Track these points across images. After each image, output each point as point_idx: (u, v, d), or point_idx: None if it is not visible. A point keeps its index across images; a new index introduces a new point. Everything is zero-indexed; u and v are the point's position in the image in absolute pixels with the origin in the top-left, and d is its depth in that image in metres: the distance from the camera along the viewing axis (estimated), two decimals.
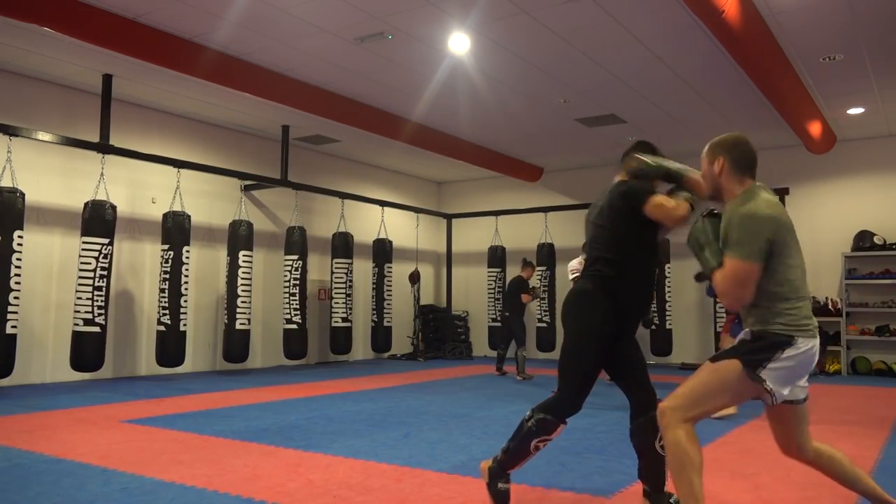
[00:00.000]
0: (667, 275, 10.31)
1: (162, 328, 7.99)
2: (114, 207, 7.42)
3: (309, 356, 10.51)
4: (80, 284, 7.16)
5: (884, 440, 4.80)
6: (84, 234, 7.28)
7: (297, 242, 9.69)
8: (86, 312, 7.15)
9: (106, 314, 7.31)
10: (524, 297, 8.87)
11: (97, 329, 7.18)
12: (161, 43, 6.48)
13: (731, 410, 5.52)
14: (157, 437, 4.69)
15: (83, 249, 7.23)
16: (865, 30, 6.33)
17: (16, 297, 6.55)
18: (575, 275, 7.57)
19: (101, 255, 7.24)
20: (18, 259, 6.60)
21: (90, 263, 7.18)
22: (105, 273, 7.26)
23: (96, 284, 7.19)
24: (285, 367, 10.03)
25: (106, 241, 7.28)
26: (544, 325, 11.20)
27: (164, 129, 9.01)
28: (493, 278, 11.99)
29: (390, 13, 6.06)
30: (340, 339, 10.23)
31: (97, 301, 7.19)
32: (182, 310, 8.04)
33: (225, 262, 9.00)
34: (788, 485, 3.57)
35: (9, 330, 6.48)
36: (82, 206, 7.50)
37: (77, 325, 7.17)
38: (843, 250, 9.82)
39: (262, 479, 3.60)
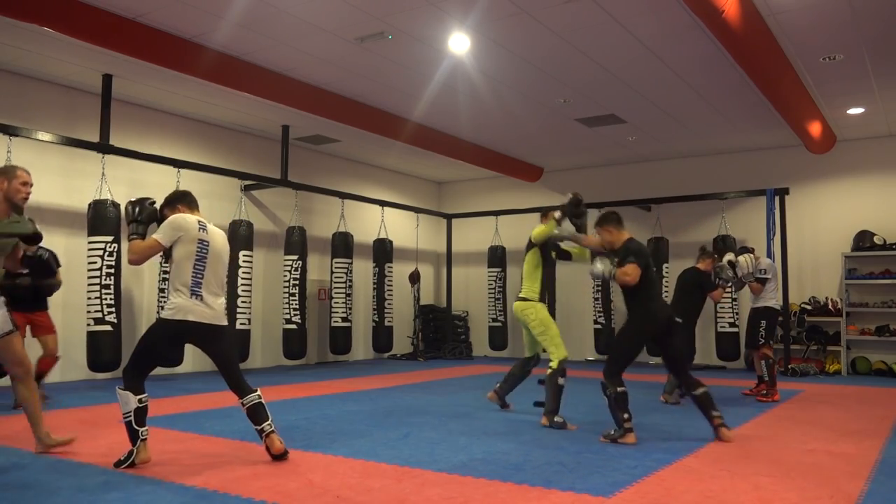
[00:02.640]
0: (664, 274, 10.30)
1: None
2: (115, 205, 7.42)
3: (309, 356, 10.51)
4: (89, 284, 7.17)
5: (884, 440, 4.79)
6: (89, 233, 7.30)
7: (296, 242, 9.69)
8: (95, 312, 7.16)
9: (118, 312, 7.31)
10: (717, 294, 6.80)
11: (109, 328, 7.19)
12: (161, 43, 6.47)
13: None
14: (157, 437, 4.68)
15: (89, 249, 7.25)
16: (865, 30, 6.33)
17: None
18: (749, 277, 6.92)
19: (107, 253, 7.25)
20: None
21: (96, 262, 7.20)
22: (112, 271, 7.27)
23: (104, 283, 7.20)
24: (285, 366, 10.03)
25: (110, 238, 7.29)
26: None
27: (164, 129, 9.01)
28: (494, 278, 11.99)
29: (390, 13, 6.06)
30: (340, 339, 10.23)
31: (106, 299, 7.20)
32: None
33: None
34: (788, 485, 3.57)
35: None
36: (82, 205, 7.54)
37: (89, 325, 7.19)
38: (843, 250, 9.81)
39: (262, 479, 3.60)
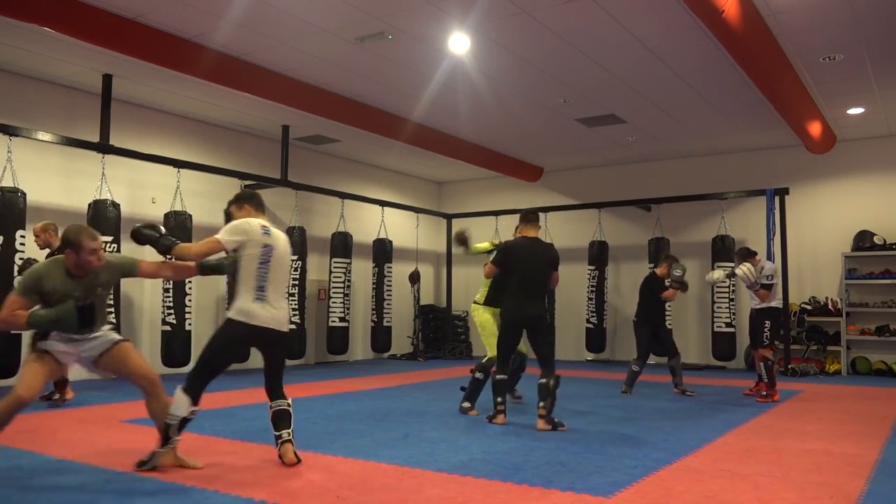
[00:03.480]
0: None
1: (167, 328, 8.00)
2: (116, 205, 7.43)
3: (308, 356, 10.51)
4: None
5: (884, 440, 4.79)
6: None
7: (296, 242, 9.66)
8: None
9: (117, 311, 7.31)
10: (668, 294, 7.22)
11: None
12: (161, 43, 6.48)
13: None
14: (158, 438, 4.68)
15: None
16: (865, 30, 6.33)
17: None
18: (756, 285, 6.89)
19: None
20: (21, 259, 6.60)
21: None
22: None
23: None
24: (285, 367, 10.01)
25: (110, 238, 7.29)
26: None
27: (164, 129, 9.01)
28: None
29: (390, 13, 6.06)
30: (337, 339, 10.22)
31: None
32: (187, 309, 8.06)
33: None
34: (788, 485, 3.57)
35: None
36: (82, 205, 7.53)
37: None
38: (843, 250, 9.81)
39: (262, 479, 3.60)
